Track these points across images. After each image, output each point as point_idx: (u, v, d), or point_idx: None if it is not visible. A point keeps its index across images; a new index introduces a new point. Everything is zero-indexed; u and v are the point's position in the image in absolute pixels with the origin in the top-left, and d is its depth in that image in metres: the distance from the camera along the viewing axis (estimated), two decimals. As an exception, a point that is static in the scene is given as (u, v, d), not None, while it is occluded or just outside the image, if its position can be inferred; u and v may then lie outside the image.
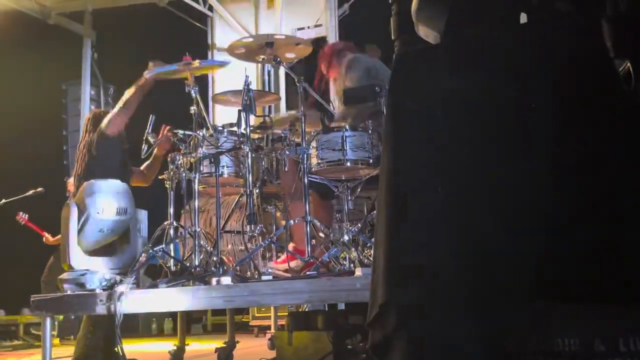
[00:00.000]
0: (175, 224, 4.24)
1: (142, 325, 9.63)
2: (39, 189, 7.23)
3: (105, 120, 4.42)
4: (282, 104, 8.33)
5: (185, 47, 4.34)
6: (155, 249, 4.06)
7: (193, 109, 4.19)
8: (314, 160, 3.93)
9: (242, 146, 3.99)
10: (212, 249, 3.99)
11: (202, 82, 4.74)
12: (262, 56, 4.36)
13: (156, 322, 9.55)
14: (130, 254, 4.26)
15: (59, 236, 6.31)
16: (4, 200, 7.27)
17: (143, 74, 4.33)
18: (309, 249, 3.79)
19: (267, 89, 8.31)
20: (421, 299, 1.57)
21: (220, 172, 3.99)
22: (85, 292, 3.80)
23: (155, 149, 4.55)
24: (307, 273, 3.64)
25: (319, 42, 4.73)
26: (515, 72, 1.75)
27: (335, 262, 3.89)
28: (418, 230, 1.64)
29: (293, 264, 3.87)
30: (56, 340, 7.88)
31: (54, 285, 4.51)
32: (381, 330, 1.63)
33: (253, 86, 4.26)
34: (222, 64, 5.00)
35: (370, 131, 3.94)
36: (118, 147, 4.49)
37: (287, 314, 4.92)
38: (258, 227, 3.88)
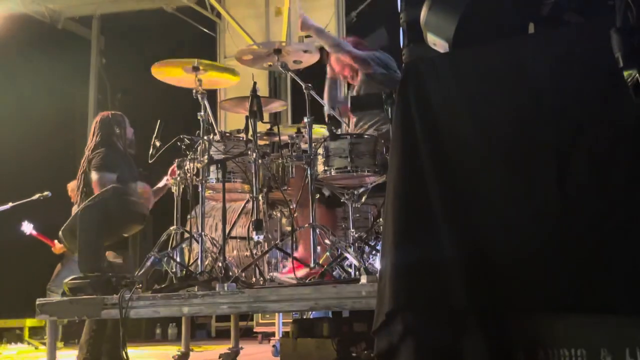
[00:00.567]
0: (181, 229, 4.25)
1: (145, 331, 9.62)
2: (46, 193, 7.23)
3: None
4: (289, 110, 8.35)
5: (193, 54, 4.36)
6: (160, 254, 4.07)
7: (200, 114, 4.21)
8: (321, 167, 3.93)
9: (249, 152, 3.99)
10: (217, 254, 3.99)
11: (211, 88, 4.75)
12: (269, 63, 4.37)
13: (160, 328, 9.53)
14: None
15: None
16: (10, 204, 7.29)
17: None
18: (315, 256, 3.79)
19: (274, 96, 8.32)
20: (428, 307, 1.57)
21: (226, 178, 4.00)
22: (90, 297, 3.80)
23: (168, 178, 4.71)
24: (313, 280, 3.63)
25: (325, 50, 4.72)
26: (523, 82, 1.75)
27: (341, 269, 3.88)
28: (425, 238, 1.64)
29: (300, 273, 3.87)
30: (60, 344, 7.88)
31: (58, 295, 4.54)
32: (387, 338, 1.63)
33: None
34: None
35: (377, 138, 3.95)
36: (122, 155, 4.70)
37: (291, 320, 4.91)
38: (263, 234, 3.88)
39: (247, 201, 4.20)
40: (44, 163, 8.98)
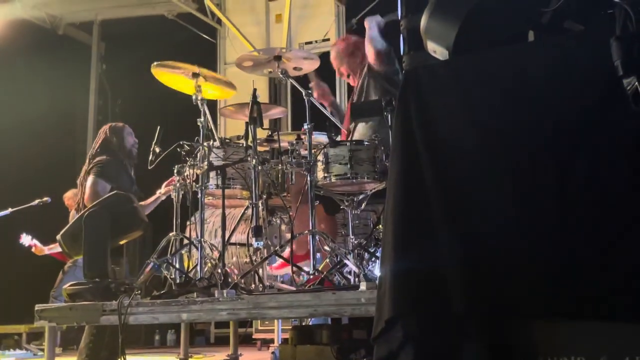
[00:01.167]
0: (180, 235, 4.25)
1: (144, 337, 9.59)
2: (45, 199, 7.24)
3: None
4: (289, 117, 8.37)
5: (194, 60, 4.37)
6: (159, 260, 4.07)
7: (200, 120, 4.22)
8: (321, 174, 3.93)
9: (249, 158, 3.99)
10: (217, 261, 3.99)
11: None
12: (270, 69, 4.38)
13: (159, 334, 9.51)
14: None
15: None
16: (10, 209, 7.28)
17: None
18: (314, 263, 3.79)
19: (274, 102, 8.33)
20: (428, 314, 1.57)
21: (226, 185, 4.00)
22: (90, 303, 3.80)
23: (161, 192, 4.85)
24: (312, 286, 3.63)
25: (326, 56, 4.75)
26: (523, 89, 1.76)
27: (341, 276, 3.88)
28: (425, 245, 1.64)
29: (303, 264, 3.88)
30: (59, 350, 7.86)
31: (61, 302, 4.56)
32: (387, 345, 1.63)
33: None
34: None
35: (377, 145, 3.95)
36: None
37: (290, 327, 4.90)
38: (263, 240, 3.88)
39: (247, 207, 4.20)
40: (43, 169, 8.97)
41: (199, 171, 4.13)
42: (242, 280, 3.86)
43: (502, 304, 1.58)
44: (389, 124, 3.88)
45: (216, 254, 4.10)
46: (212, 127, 4.31)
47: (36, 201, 7.23)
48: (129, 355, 3.80)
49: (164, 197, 4.98)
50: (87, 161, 4.90)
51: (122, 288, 3.89)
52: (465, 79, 1.84)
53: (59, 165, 9.16)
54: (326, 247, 3.94)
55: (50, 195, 7.24)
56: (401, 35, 2.32)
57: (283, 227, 4.61)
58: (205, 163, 4.09)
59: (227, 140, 4.32)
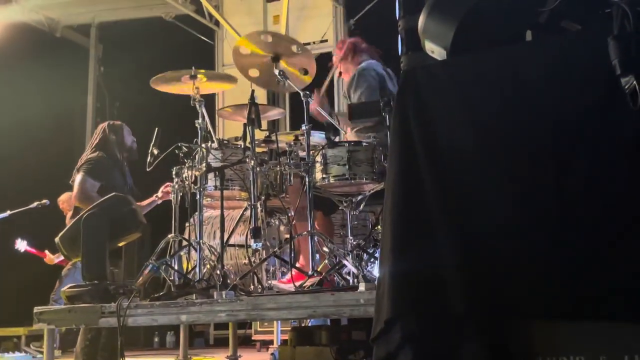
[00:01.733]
0: (179, 237, 4.25)
1: (144, 339, 9.58)
2: (44, 201, 7.23)
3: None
4: (287, 118, 8.36)
5: (192, 61, 4.37)
6: (158, 261, 4.06)
7: (198, 122, 4.21)
8: (319, 175, 3.93)
9: (247, 160, 3.99)
10: (216, 262, 3.99)
11: (209, 96, 4.76)
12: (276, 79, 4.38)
13: (158, 336, 9.49)
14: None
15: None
16: (8, 212, 7.27)
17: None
18: (312, 264, 3.78)
19: (273, 103, 8.33)
20: (428, 315, 1.57)
21: (224, 186, 4.00)
22: (89, 305, 3.79)
23: (158, 197, 4.92)
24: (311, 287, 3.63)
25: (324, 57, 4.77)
26: (521, 89, 1.76)
27: (340, 277, 3.88)
28: (424, 245, 1.64)
29: (299, 283, 3.86)
30: (58, 352, 7.85)
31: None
32: (386, 346, 1.63)
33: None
34: None
35: (375, 146, 3.95)
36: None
37: (289, 328, 4.90)
38: (262, 241, 3.88)
39: (245, 209, 4.20)
40: (42, 171, 8.96)
41: (197, 173, 4.13)
42: (241, 282, 3.86)
43: (501, 304, 1.58)
44: (387, 124, 3.88)
45: (214, 258, 4.10)
46: (210, 129, 4.31)
47: (35, 204, 7.23)
48: (129, 357, 3.79)
49: (159, 202, 4.98)
50: (80, 159, 4.88)
51: (121, 290, 3.88)
52: (463, 79, 1.83)
53: (57, 167, 9.13)
54: (325, 249, 3.93)
55: (49, 198, 7.23)
56: (399, 36, 2.32)
57: (282, 228, 4.61)
58: (204, 164, 4.08)
59: (225, 142, 4.32)
